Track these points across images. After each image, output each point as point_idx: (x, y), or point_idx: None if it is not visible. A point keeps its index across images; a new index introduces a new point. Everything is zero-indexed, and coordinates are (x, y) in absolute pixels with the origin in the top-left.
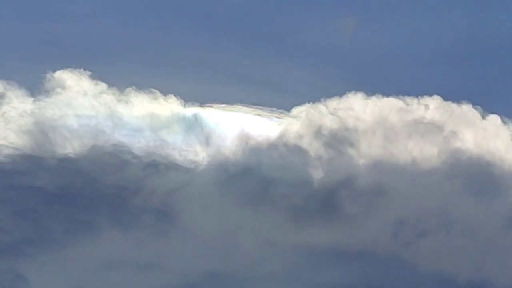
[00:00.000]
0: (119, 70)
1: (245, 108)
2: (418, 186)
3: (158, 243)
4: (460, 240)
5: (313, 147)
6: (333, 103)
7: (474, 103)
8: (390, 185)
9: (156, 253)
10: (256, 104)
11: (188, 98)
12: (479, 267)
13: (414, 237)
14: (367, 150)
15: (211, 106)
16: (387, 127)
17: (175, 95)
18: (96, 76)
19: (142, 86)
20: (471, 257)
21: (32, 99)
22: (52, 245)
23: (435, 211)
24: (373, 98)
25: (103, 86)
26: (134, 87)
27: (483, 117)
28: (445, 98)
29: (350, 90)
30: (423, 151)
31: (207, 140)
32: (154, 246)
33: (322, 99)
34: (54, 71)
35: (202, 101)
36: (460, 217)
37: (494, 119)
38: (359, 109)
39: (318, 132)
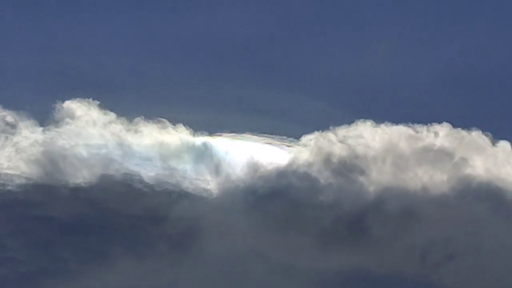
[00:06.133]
0: (128, 100)
1: (254, 136)
2: (430, 212)
3: (172, 272)
4: (488, 262)
5: (323, 175)
6: (342, 131)
7: (484, 130)
8: (407, 211)
9: (170, 282)
10: (265, 133)
11: (197, 127)
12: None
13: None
14: (377, 178)
15: (220, 135)
16: (397, 154)
17: (184, 125)
18: (105, 106)
19: (151, 115)
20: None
21: (42, 129)
22: (67, 275)
23: (457, 235)
24: (382, 126)
25: (112, 116)
26: (143, 117)
27: (493, 144)
28: (455, 125)
29: (359, 118)
30: (433, 178)
31: (217, 169)
32: (168, 275)
33: (331, 127)
34: (64, 101)
35: (211, 130)
36: (485, 240)
37: (504, 145)
38: (369, 137)
39: (327, 160)
